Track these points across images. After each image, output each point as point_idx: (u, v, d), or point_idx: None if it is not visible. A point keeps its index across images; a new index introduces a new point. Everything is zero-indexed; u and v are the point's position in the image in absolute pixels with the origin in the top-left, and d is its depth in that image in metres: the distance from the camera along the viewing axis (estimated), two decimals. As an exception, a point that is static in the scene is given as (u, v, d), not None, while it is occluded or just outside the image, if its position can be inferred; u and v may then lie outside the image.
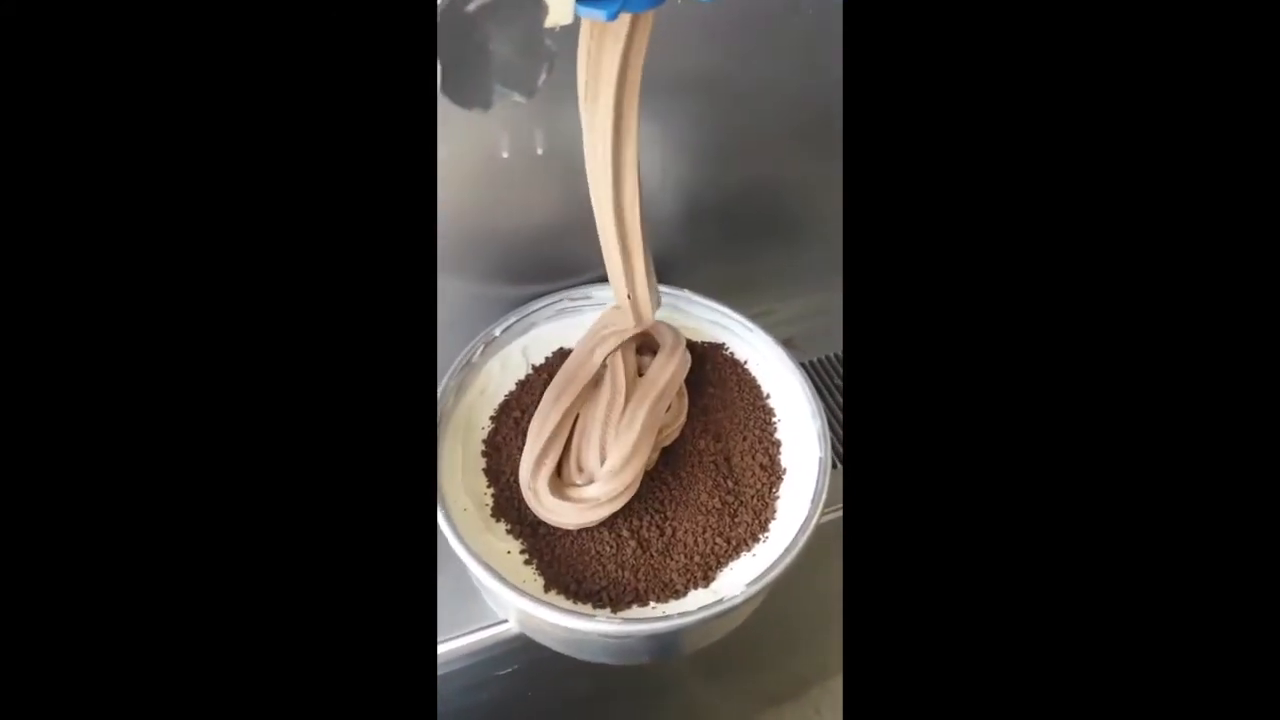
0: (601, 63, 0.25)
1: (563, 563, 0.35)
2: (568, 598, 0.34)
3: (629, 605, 0.34)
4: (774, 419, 0.40)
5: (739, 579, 0.35)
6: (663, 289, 0.43)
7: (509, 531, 0.36)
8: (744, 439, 0.39)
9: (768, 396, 0.41)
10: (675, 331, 0.40)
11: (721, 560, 0.36)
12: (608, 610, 0.34)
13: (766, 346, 0.42)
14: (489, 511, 0.37)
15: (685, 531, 0.36)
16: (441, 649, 0.38)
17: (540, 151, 0.33)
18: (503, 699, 0.45)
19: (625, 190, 0.29)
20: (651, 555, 0.36)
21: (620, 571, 0.35)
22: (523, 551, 0.36)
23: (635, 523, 0.36)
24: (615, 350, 0.38)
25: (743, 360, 0.43)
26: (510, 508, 0.37)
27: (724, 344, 0.43)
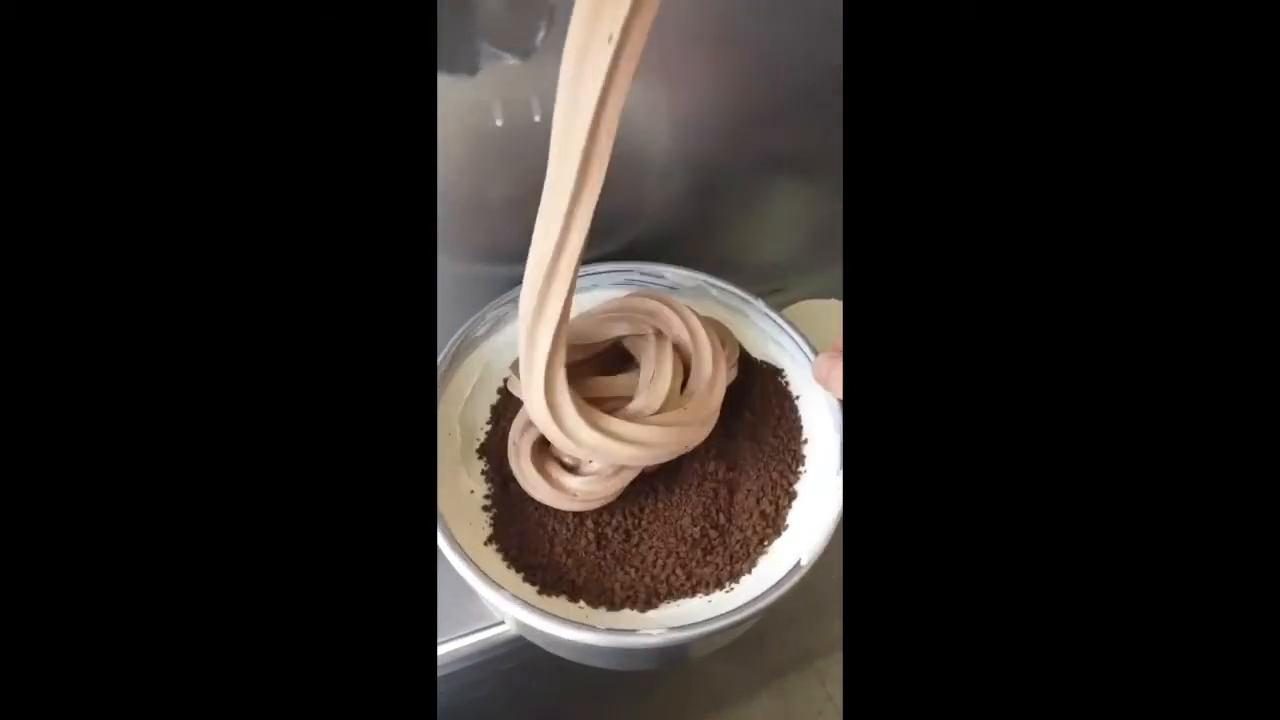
0: (601, 17, 0.20)
1: (514, 522, 0.34)
2: (505, 560, 0.33)
3: (559, 595, 0.33)
4: (800, 468, 0.36)
5: (671, 617, 0.32)
6: (731, 288, 0.40)
7: (484, 473, 0.35)
8: (757, 477, 0.36)
9: (805, 442, 0.37)
10: (731, 336, 0.37)
11: (673, 593, 0.33)
12: (533, 589, 0.32)
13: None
14: (476, 446, 0.36)
15: (649, 549, 0.34)
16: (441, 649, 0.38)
17: (538, 119, 0.30)
18: (505, 694, 0.44)
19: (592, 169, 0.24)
20: (604, 557, 0.34)
21: (565, 558, 0.33)
22: (486, 497, 0.35)
23: (604, 516, 0.34)
24: (649, 336, 0.35)
25: (795, 395, 0.38)
26: (496, 453, 0.36)
27: (783, 370, 0.39)
